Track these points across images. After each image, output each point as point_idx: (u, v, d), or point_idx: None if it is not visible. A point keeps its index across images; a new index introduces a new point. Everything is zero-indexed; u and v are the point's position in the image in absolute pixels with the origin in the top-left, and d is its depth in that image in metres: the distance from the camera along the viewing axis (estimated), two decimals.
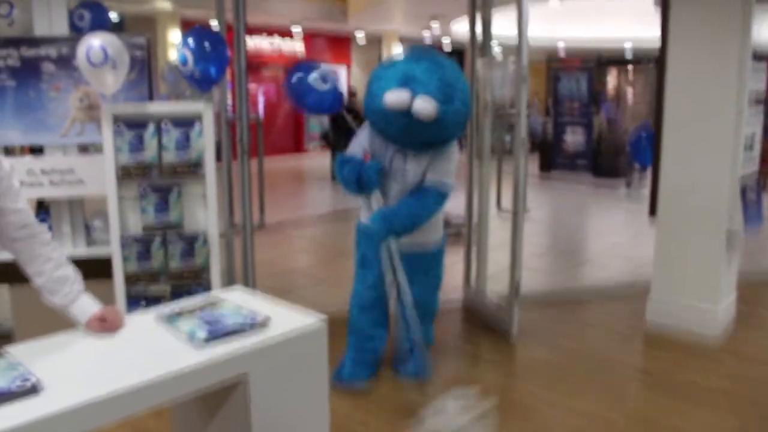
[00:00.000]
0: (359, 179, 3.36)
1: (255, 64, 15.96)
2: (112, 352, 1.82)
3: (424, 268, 3.61)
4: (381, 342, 3.72)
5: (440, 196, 3.38)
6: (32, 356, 1.70)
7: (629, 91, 13.52)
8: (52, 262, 1.97)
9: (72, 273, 2.01)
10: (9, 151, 4.50)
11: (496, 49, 11.87)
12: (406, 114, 3.10)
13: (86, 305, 1.97)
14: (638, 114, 12.72)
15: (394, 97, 3.11)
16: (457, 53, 21.04)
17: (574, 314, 4.84)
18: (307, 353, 1.98)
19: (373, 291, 3.59)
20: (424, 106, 3.06)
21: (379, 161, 3.43)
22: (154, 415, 3.26)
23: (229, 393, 1.87)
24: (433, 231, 3.60)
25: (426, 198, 3.34)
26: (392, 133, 3.31)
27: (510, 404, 3.51)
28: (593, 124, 13.01)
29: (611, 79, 14.06)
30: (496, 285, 4.87)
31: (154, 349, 1.83)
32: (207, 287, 3.55)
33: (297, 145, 17.87)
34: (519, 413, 3.40)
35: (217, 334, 1.86)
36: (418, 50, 3.38)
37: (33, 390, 1.51)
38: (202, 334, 1.85)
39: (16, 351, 1.74)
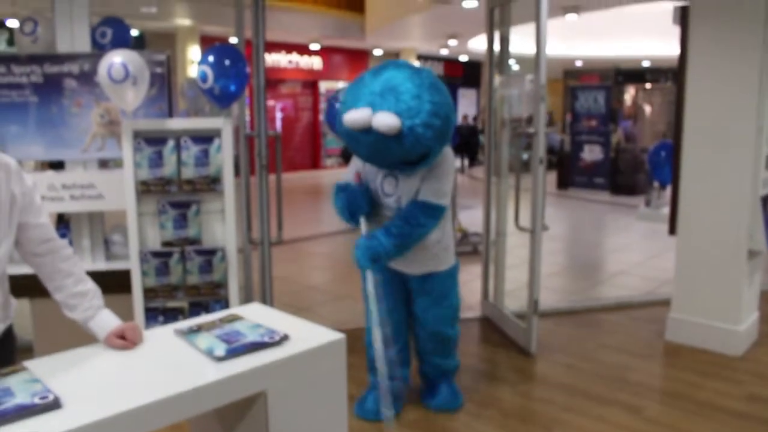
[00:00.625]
0: (349, 205, 3.23)
1: (273, 81, 16.08)
2: (131, 367, 1.83)
3: (435, 296, 3.39)
4: (401, 381, 3.51)
5: (429, 216, 3.13)
6: (51, 371, 1.71)
7: (647, 109, 13.47)
8: (73, 278, 1.99)
9: (92, 288, 2.03)
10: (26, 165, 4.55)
11: (514, 67, 11.89)
12: (368, 132, 2.88)
13: (106, 321, 1.98)
14: (656, 132, 12.68)
15: (355, 116, 2.90)
16: (473, 69, 21.14)
17: (592, 331, 4.80)
18: (325, 370, 1.98)
19: (386, 327, 3.36)
20: (383, 120, 2.81)
21: (366, 184, 3.31)
22: (174, 430, 3.27)
23: (248, 409, 1.87)
24: (439, 256, 3.34)
25: (416, 217, 3.11)
26: (364, 155, 3.14)
27: (531, 415, 3.54)
28: (611, 142, 12.97)
29: (629, 97, 14.03)
30: (514, 302, 4.85)
31: (172, 364, 1.83)
32: (225, 302, 3.56)
33: (314, 162, 17.95)
34: (539, 425, 3.40)
35: (236, 350, 1.86)
36: (387, 64, 3.07)
37: (53, 405, 1.52)
38: (220, 350, 1.86)
39: (35, 366, 1.75)
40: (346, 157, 13.55)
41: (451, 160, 3.24)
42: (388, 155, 3.00)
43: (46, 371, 1.71)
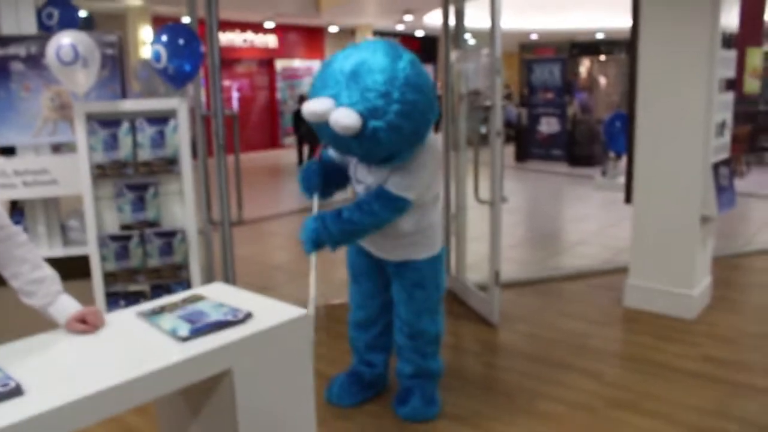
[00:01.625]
0: (304, 181, 3.05)
1: (228, 60, 15.85)
2: (94, 351, 1.81)
3: (410, 285, 3.12)
4: (377, 369, 3.38)
5: (384, 206, 2.82)
6: (11, 358, 1.69)
7: (602, 81, 13.65)
8: (29, 264, 1.95)
9: (50, 274, 2.00)
10: None
11: (470, 41, 11.90)
12: (328, 126, 2.56)
13: (65, 306, 1.96)
14: (611, 103, 12.87)
15: (313, 107, 2.57)
16: (430, 44, 21.10)
17: (553, 300, 4.89)
18: (290, 346, 1.99)
19: (363, 310, 3.31)
20: (340, 120, 2.49)
21: (326, 160, 3.12)
22: (140, 412, 3.26)
23: (214, 388, 1.87)
24: (417, 245, 3.07)
25: (370, 205, 2.83)
26: (329, 144, 2.90)
27: (494, 384, 3.61)
28: (567, 114, 13.13)
29: (584, 69, 14.19)
30: (476, 274, 4.92)
31: (136, 346, 1.83)
32: (187, 284, 3.54)
33: (272, 141, 17.80)
34: (502, 391, 3.48)
35: (200, 329, 1.86)
36: (365, 45, 2.68)
37: (15, 392, 1.50)
38: (184, 330, 1.85)
39: None
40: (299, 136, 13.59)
41: (432, 152, 2.90)
42: (349, 152, 2.81)
43: (6, 358, 1.69)
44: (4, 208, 1.97)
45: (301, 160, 13.60)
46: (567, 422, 3.16)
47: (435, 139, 2.96)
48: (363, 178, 2.98)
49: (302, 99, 13.03)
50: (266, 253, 6.81)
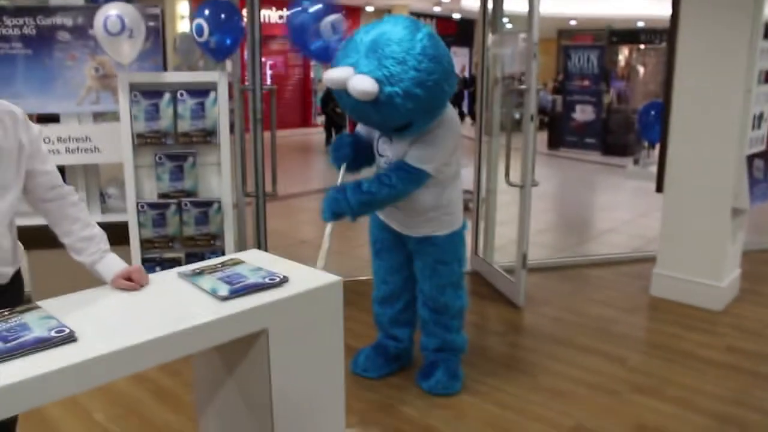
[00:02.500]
0: (335, 151, 3.13)
1: (263, 37, 15.86)
2: (140, 306, 1.91)
3: (432, 260, 3.20)
4: (403, 343, 3.47)
5: (403, 179, 2.90)
6: (63, 310, 1.79)
7: (640, 70, 13.47)
8: (80, 223, 2.05)
9: (98, 233, 2.10)
10: None
11: (508, 25, 11.83)
12: (349, 94, 2.67)
13: (112, 263, 2.05)
14: (648, 92, 12.70)
15: (333, 74, 2.71)
16: (467, 27, 20.98)
17: (579, 286, 4.92)
18: (323, 310, 2.07)
19: (387, 286, 3.39)
20: (357, 85, 2.60)
21: (360, 135, 3.20)
22: (172, 373, 3.39)
23: (250, 347, 1.96)
24: (439, 220, 3.14)
25: (385, 177, 2.91)
26: (350, 114, 3.02)
27: (517, 363, 3.66)
28: (603, 102, 12.99)
29: (622, 57, 14.02)
30: (503, 257, 4.96)
31: (179, 303, 1.92)
32: (221, 253, 3.64)
33: (305, 119, 17.89)
34: (525, 371, 3.54)
35: (238, 290, 1.94)
36: (386, 19, 2.80)
37: (70, 338, 1.60)
38: (224, 290, 1.94)
39: (47, 305, 1.83)
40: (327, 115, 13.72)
41: (450, 124, 2.97)
42: (369, 119, 2.91)
43: (60, 309, 1.78)
44: (57, 171, 2.07)
45: (329, 140, 13.68)
46: (588, 403, 3.20)
47: (454, 115, 3.03)
48: (384, 152, 3.06)
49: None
50: (295, 228, 6.92)
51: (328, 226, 2.94)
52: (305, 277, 2.10)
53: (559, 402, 3.21)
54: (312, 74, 17.95)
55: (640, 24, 18.07)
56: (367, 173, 3.20)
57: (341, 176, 3.06)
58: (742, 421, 3.05)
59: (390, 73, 2.60)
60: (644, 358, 3.73)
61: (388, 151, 3.03)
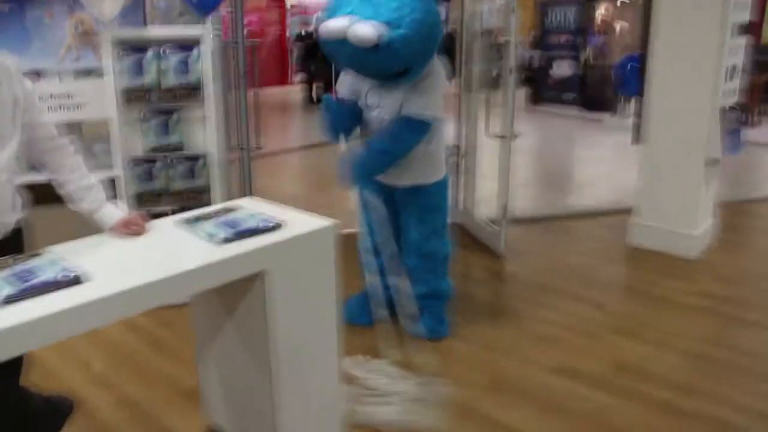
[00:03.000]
0: (331, 125, 3.21)
1: None
2: (141, 250, 1.97)
3: (420, 209, 3.32)
4: (389, 290, 3.51)
5: (414, 129, 3.04)
6: (68, 255, 1.85)
7: (618, 25, 13.46)
8: (78, 172, 2.10)
9: (96, 182, 2.14)
10: None
11: None
12: (345, 43, 2.77)
13: (112, 211, 2.10)
14: (626, 47, 12.74)
15: (332, 25, 2.80)
16: None
17: (560, 237, 5.05)
18: (318, 253, 2.15)
19: (373, 236, 3.43)
20: (358, 32, 2.69)
21: (350, 100, 3.24)
22: (167, 324, 3.47)
23: (248, 289, 2.03)
24: (426, 170, 3.26)
25: (398, 132, 3.04)
26: (345, 64, 3.08)
27: (500, 310, 3.80)
28: (581, 58, 13.02)
29: (599, 14, 13.99)
30: (486, 211, 5.05)
31: (179, 248, 1.98)
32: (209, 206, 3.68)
33: (282, 78, 17.73)
34: (508, 316, 3.67)
35: (236, 234, 2.01)
36: None
37: (76, 280, 1.67)
38: (222, 234, 2.00)
39: (53, 251, 1.89)
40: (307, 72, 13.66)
41: (438, 73, 3.09)
42: (366, 67, 2.98)
43: (64, 254, 1.84)
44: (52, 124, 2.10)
45: (311, 98, 13.60)
46: (568, 344, 3.34)
47: (440, 65, 3.13)
48: (375, 103, 3.15)
49: (302, 37, 13.03)
50: (280, 186, 6.95)
51: (356, 198, 3.14)
52: (300, 222, 2.17)
53: (541, 345, 3.34)
54: (288, 33, 17.75)
55: None
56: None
57: (344, 145, 3.19)
58: (714, 359, 3.20)
59: (388, 20, 2.71)
60: (623, 303, 3.88)
61: (379, 101, 3.12)
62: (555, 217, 5.54)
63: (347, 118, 3.22)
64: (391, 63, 2.85)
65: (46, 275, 1.67)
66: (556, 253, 4.66)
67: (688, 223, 4.56)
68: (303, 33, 15.21)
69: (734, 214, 5.59)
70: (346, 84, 3.27)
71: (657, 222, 4.67)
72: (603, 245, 4.84)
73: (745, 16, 4.48)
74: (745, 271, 4.35)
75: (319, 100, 12.75)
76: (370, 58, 2.81)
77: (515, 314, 3.70)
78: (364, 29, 2.69)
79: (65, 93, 3.90)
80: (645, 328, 3.52)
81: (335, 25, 2.77)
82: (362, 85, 3.19)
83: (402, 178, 3.27)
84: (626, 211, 5.13)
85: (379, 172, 3.16)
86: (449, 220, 3.52)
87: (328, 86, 12.62)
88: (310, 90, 13.72)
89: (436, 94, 3.08)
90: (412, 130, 3.04)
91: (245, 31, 4.16)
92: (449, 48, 3.67)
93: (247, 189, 4.05)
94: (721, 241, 4.85)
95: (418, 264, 3.39)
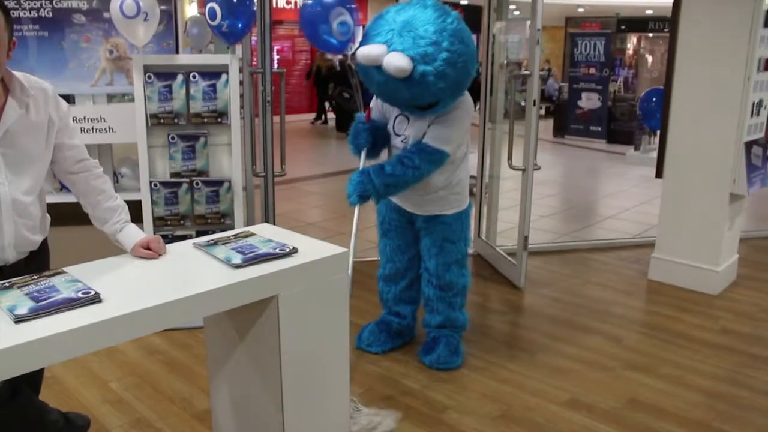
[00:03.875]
0: (354, 138, 3.25)
1: (272, 22, 15.94)
2: (158, 272, 2.04)
3: (439, 238, 3.32)
4: (406, 320, 3.60)
5: (425, 160, 3.02)
6: (87, 274, 1.91)
7: (648, 58, 13.47)
8: (104, 194, 2.18)
9: (121, 204, 2.23)
10: None
11: (515, 13, 11.85)
12: (380, 70, 2.81)
13: (133, 233, 2.18)
14: (654, 81, 12.73)
15: (366, 51, 2.83)
16: (474, 13, 20.97)
17: (580, 269, 5.03)
18: (331, 280, 2.19)
19: (392, 264, 3.51)
20: (393, 62, 2.73)
21: (377, 120, 3.32)
22: (184, 347, 3.53)
23: (261, 313, 2.08)
24: (448, 199, 3.28)
25: (407, 159, 3.02)
26: (375, 91, 3.11)
27: (517, 341, 3.78)
28: (609, 90, 13.02)
29: (630, 46, 14.02)
30: (506, 241, 5.07)
31: (195, 270, 2.04)
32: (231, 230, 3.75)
33: (311, 105, 17.93)
34: (524, 348, 3.66)
35: (251, 259, 2.06)
36: (413, 2, 2.93)
37: (95, 299, 1.73)
38: (237, 259, 2.06)
39: (72, 270, 1.95)
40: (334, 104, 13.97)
41: (466, 107, 3.11)
42: (397, 97, 3.00)
43: (84, 274, 1.91)
44: (83, 146, 2.20)
45: (319, 117, 14.12)
46: (582, 379, 3.32)
47: (469, 98, 3.17)
48: (401, 131, 3.20)
49: (321, 70, 13.34)
50: (303, 212, 7.04)
51: (355, 214, 3.11)
52: (314, 249, 2.22)
53: (555, 378, 3.33)
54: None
55: (649, 12, 18.05)
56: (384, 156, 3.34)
57: (362, 161, 3.20)
58: (731, 398, 3.16)
59: (425, 53, 2.74)
60: (639, 337, 3.85)
61: (406, 130, 3.17)
62: (575, 249, 5.53)
63: (372, 137, 3.25)
64: (422, 95, 2.88)
65: (66, 293, 1.73)
66: (576, 286, 4.65)
67: (710, 259, 4.52)
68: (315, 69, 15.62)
69: (758, 250, 5.54)
70: (378, 106, 3.34)
71: (679, 257, 4.64)
72: (623, 279, 4.82)
73: None
74: (766, 309, 4.29)
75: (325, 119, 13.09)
76: (401, 89, 2.86)
77: (531, 346, 3.69)
78: (401, 60, 2.73)
79: (97, 116, 4.02)
80: (662, 364, 3.49)
81: (373, 51, 2.81)
82: (391, 111, 3.25)
83: (422, 207, 3.30)
84: (648, 245, 5.12)
85: (385, 196, 3.15)
86: (470, 250, 3.52)
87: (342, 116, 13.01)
88: (320, 116, 14.27)
89: (461, 127, 3.10)
90: (426, 159, 3.03)
91: (275, 59, 4.25)
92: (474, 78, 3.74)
93: (269, 215, 4.12)
94: (743, 278, 4.80)
95: (435, 294, 3.40)
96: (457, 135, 3.09)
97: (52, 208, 3.77)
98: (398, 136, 3.22)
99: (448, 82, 2.83)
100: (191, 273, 2.02)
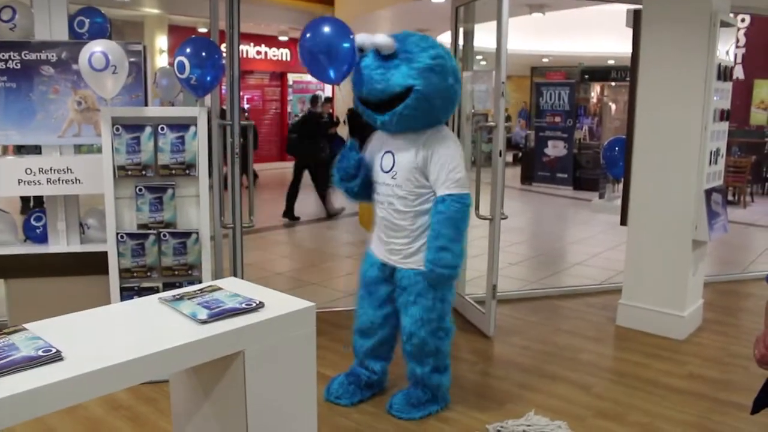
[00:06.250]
0: (344, 167, 3.36)
1: (241, 71, 16.09)
2: (122, 328, 2.01)
3: (415, 292, 3.28)
4: (375, 375, 3.57)
5: (466, 207, 3.17)
6: (48, 331, 1.88)
7: (612, 107, 13.82)
8: None
9: None
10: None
11: (482, 63, 12.14)
12: (380, 91, 3.13)
13: None
14: (618, 129, 13.05)
15: (362, 37, 3.20)
16: None
17: (548, 317, 5.06)
18: (297, 334, 2.18)
19: (369, 319, 3.49)
20: (385, 39, 3.12)
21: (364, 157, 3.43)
22: (149, 402, 3.45)
23: (227, 369, 2.05)
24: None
25: (455, 219, 3.11)
26: (372, 103, 3.22)
27: (487, 391, 3.77)
28: (574, 138, 13.31)
29: (594, 94, 14.39)
30: (475, 290, 5.09)
31: (160, 326, 2.02)
32: (198, 283, 3.71)
33: (281, 154, 18.01)
34: (494, 400, 3.64)
35: (217, 314, 2.05)
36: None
37: (56, 357, 1.69)
38: (203, 314, 2.04)
39: (32, 328, 1.92)
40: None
41: (457, 142, 3.33)
42: (390, 114, 3.15)
43: (44, 331, 1.87)
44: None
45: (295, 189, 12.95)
46: None
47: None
48: (387, 167, 3.30)
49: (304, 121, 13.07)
50: (272, 261, 7.00)
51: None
52: (280, 303, 2.21)
53: None
54: (289, 109, 18.14)
55: (611, 62, 18.58)
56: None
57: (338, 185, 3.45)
58: None
59: (425, 66, 3.11)
60: (609, 385, 3.86)
61: (392, 165, 3.28)
62: (544, 296, 5.58)
63: (358, 167, 3.36)
64: (423, 104, 3.11)
65: (26, 351, 1.70)
66: (545, 334, 4.67)
67: (675, 305, 4.59)
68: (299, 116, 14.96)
69: (723, 294, 5.65)
70: (368, 149, 3.46)
71: (645, 303, 4.70)
72: (592, 325, 4.86)
73: (726, 103, 4.64)
74: (734, 353, 4.35)
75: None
76: (397, 109, 3.11)
77: (501, 396, 3.69)
78: (383, 37, 3.11)
79: (64, 167, 3.99)
80: (630, 410, 3.51)
81: (368, 37, 3.17)
82: (378, 151, 3.37)
83: (410, 258, 3.31)
84: (616, 291, 5.17)
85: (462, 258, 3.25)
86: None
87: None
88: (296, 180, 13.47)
89: (461, 161, 3.25)
90: (465, 209, 3.17)
91: (245, 108, 4.29)
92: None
93: (237, 266, 4.10)
94: (709, 322, 4.87)
95: (408, 349, 3.39)
96: (462, 170, 3.21)
97: (15, 260, 3.72)
98: (386, 172, 3.29)
99: (444, 93, 3.15)
100: (156, 329, 2.00)
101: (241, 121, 4.22)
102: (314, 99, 10.28)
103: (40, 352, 1.70)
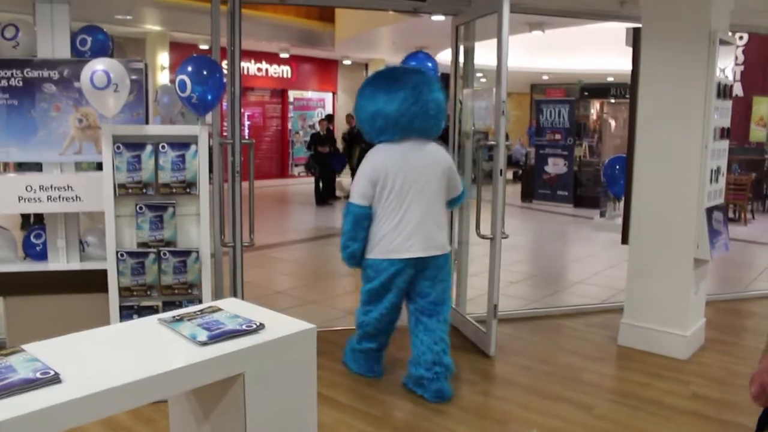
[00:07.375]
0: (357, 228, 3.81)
1: (242, 88, 16.14)
2: (122, 350, 1.99)
3: (443, 270, 3.90)
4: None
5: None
6: (46, 353, 1.86)
7: (612, 123, 13.85)
8: None
9: None
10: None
11: (482, 80, 12.18)
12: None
13: None
14: (618, 147, 13.08)
15: None
16: (442, 82, 21.40)
17: (550, 336, 5.03)
18: (298, 356, 2.16)
19: (378, 323, 3.93)
20: None
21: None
22: (148, 422, 3.42)
23: (226, 391, 2.03)
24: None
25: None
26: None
27: (488, 412, 3.74)
28: (574, 155, 13.32)
29: (593, 111, 14.44)
30: (476, 308, 5.07)
31: (159, 348, 2.00)
32: (198, 302, 3.69)
33: (282, 170, 18.05)
34: (496, 420, 3.61)
35: (217, 336, 2.03)
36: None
37: (54, 380, 1.68)
38: (203, 336, 2.03)
39: (30, 349, 1.90)
40: (308, 168, 13.62)
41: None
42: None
43: (42, 353, 1.86)
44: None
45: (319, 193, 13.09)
46: None
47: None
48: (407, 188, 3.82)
49: (316, 139, 13.16)
50: (272, 279, 6.98)
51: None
52: (280, 324, 2.20)
53: None
54: (289, 126, 18.20)
55: (610, 79, 18.66)
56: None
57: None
58: None
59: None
60: (611, 405, 3.83)
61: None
62: (545, 315, 5.54)
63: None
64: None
65: (24, 373, 1.68)
66: (546, 353, 4.64)
67: (677, 324, 4.56)
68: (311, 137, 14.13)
69: (725, 313, 5.62)
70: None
71: (647, 322, 4.67)
72: (593, 345, 4.83)
73: (726, 121, 4.64)
74: (737, 373, 4.31)
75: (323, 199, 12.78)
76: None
77: (503, 416, 3.65)
78: None
79: (65, 184, 3.99)
80: None
81: None
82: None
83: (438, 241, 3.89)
84: (617, 310, 5.15)
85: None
86: None
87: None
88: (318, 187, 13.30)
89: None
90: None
91: (246, 126, 4.31)
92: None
93: (237, 285, 4.08)
94: (712, 341, 4.84)
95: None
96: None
97: (14, 277, 3.70)
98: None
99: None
100: (156, 351, 1.98)
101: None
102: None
103: (38, 375, 1.68)
